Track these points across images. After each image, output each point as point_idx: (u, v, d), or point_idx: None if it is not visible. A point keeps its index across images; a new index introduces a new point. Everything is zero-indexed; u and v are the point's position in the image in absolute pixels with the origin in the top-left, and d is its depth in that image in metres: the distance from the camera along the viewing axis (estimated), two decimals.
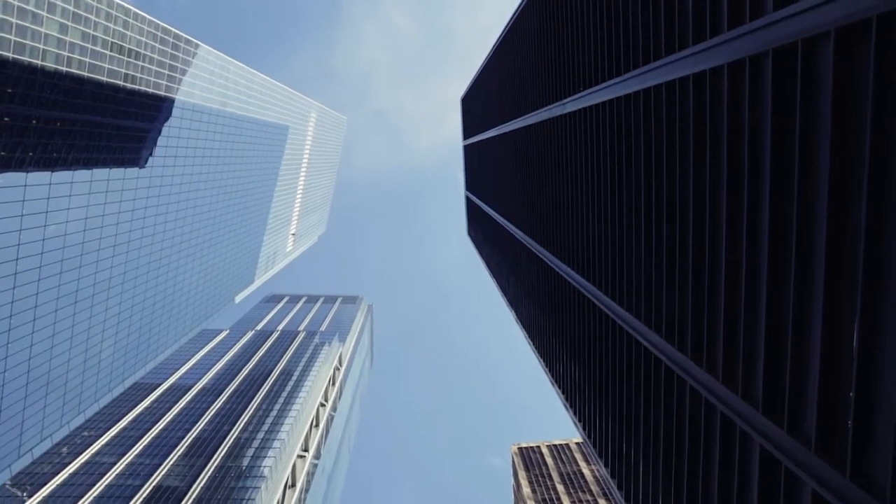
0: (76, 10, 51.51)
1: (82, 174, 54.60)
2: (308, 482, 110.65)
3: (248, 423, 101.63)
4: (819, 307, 12.68)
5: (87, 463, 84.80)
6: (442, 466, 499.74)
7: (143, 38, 64.00)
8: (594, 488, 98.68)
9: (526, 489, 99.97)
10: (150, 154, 68.47)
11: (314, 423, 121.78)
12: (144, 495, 77.77)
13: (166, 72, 70.01)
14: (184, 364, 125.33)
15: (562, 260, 38.25)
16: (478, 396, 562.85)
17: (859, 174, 11.48)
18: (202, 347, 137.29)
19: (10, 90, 44.03)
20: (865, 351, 11.43)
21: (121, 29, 59.32)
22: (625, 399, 26.82)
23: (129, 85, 61.04)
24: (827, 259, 12.35)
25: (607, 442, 29.91)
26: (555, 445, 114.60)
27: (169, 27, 69.85)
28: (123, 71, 59.90)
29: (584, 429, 34.58)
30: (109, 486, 79.21)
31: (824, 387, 12.64)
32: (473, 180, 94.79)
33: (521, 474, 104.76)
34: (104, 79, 56.32)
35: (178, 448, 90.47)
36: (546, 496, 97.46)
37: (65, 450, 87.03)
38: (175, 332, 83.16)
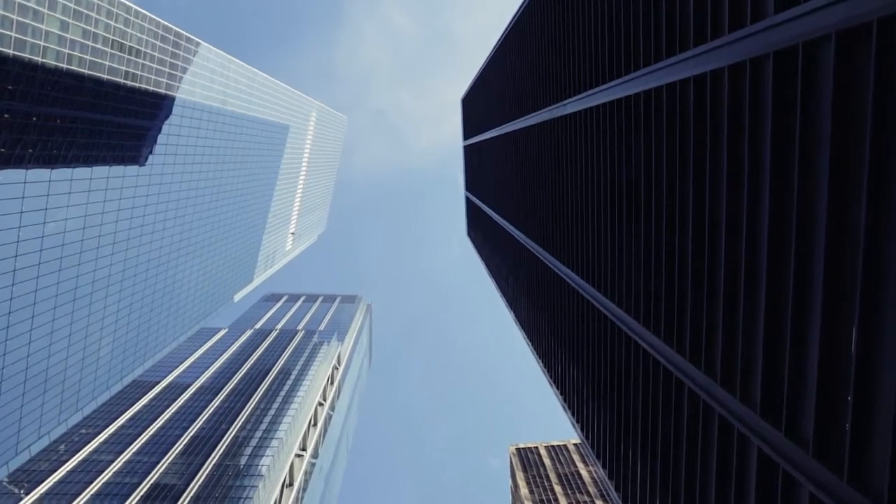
0: (77, 8, 51.48)
1: (82, 171, 54.56)
2: (306, 481, 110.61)
3: (246, 421, 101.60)
4: (817, 310, 12.68)
5: (84, 460, 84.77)
6: (440, 466, 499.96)
7: (144, 36, 63.98)
8: (592, 489, 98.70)
9: (524, 490, 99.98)
10: (150, 152, 68.44)
11: (312, 423, 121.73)
12: (142, 493, 77.73)
13: (167, 70, 69.99)
14: (182, 362, 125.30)
15: (561, 261, 38.26)
16: (476, 397, 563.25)
17: (859, 177, 11.48)
18: (201, 346, 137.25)
19: (10, 87, 43.99)
20: (863, 354, 11.43)
21: (122, 27, 59.30)
22: (623, 401, 26.82)
23: (129, 83, 61.02)
24: (826, 262, 12.35)
25: (605, 443, 29.92)
26: (553, 446, 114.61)
27: (170, 25, 69.83)
28: (124, 69, 59.87)
29: (582, 430, 34.58)
30: (107, 484, 79.18)
31: (822, 390, 12.64)
32: (473, 181, 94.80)
33: (519, 475, 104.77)
34: (105, 76, 56.29)
35: (175, 446, 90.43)
36: (544, 497, 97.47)
37: (62, 447, 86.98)
38: (174, 330, 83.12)
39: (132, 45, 61.38)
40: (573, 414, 36.72)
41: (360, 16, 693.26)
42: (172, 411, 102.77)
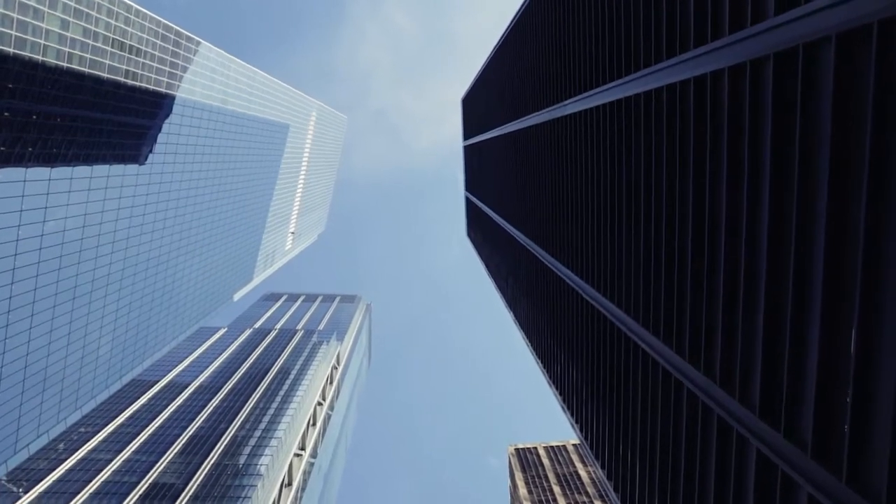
0: (77, 6, 51.47)
1: (82, 170, 54.55)
2: (304, 481, 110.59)
3: (245, 421, 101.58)
4: (817, 312, 12.70)
5: (83, 459, 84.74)
6: (439, 466, 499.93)
7: (145, 35, 63.98)
8: (591, 490, 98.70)
9: (522, 490, 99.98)
10: (150, 151, 68.43)
11: (311, 422, 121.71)
12: (141, 492, 77.71)
13: (167, 69, 69.99)
14: (181, 361, 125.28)
15: (560, 262, 38.27)
16: (475, 397, 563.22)
17: (859, 179, 11.49)
18: (200, 345, 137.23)
19: (10, 85, 43.98)
20: (862, 355, 11.44)
21: (122, 25, 59.29)
22: (622, 401, 26.83)
23: (130, 81, 61.01)
24: (825, 264, 12.36)
25: (604, 444, 29.93)
26: (552, 447, 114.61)
27: (170, 24, 69.83)
28: (124, 67, 59.86)
29: (581, 430, 34.59)
30: (106, 483, 79.16)
31: (821, 391, 12.65)
32: (473, 181, 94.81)
33: (518, 475, 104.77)
34: (105, 75, 56.29)
35: (174, 445, 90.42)
36: (542, 497, 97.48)
37: (61, 446, 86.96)
38: (173, 329, 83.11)
39: (133, 43, 61.37)
40: (572, 414, 36.73)
41: (361, 15, 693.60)
42: (171, 410, 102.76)
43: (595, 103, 29.11)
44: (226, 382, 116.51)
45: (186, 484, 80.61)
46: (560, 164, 37.77)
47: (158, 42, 67.16)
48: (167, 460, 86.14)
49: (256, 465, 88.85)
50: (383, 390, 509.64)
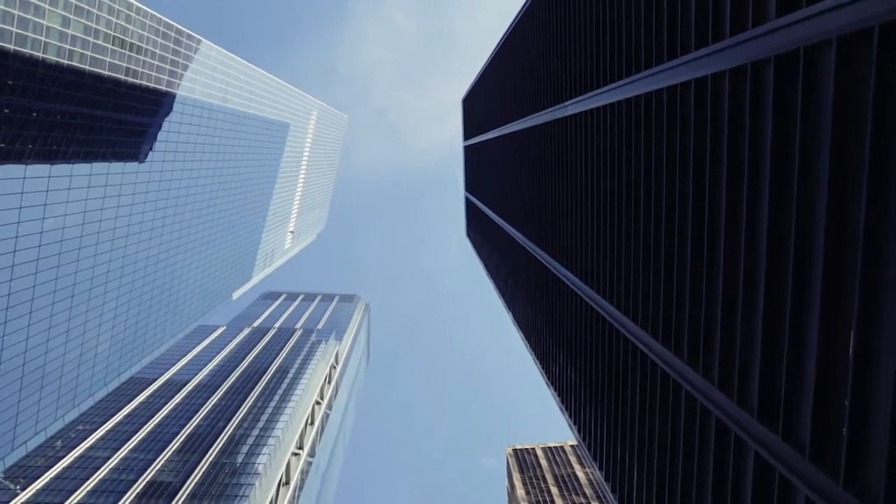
0: (78, 4, 51.44)
1: (81, 167, 54.52)
2: (302, 480, 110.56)
3: (244, 419, 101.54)
4: (815, 314, 12.70)
5: (81, 457, 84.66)
6: (436, 466, 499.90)
7: (145, 33, 63.94)
8: (588, 491, 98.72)
9: (520, 491, 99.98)
10: (150, 149, 68.39)
11: (309, 421, 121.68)
12: (138, 490, 77.67)
13: (168, 67, 69.94)
14: (180, 359, 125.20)
15: (560, 262, 38.27)
16: (473, 397, 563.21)
17: (859, 182, 11.50)
18: (198, 343, 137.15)
19: (10, 82, 43.95)
20: (861, 358, 11.45)
21: (123, 23, 59.26)
22: (620, 402, 26.83)
23: (130, 79, 60.98)
24: (824, 267, 12.37)
25: (602, 445, 29.93)
26: (549, 447, 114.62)
27: (171, 22, 69.79)
28: (125, 65, 59.82)
29: (579, 431, 34.59)
30: (103, 481, 79.09)
31: (820, 394, 12.66)
32: (473, 181, 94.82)
33: (516, 476, 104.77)
34: (105, 72, 56.25)
35: (172, 443, 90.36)
36: (540, 498, 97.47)
37: (59, 443, 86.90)
38: (172, 327, 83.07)
39: (133, 41, 61.33)
40: (570, 415, 36.73)
41: (362, 15, 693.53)
42: (169, 408, 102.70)
43: (596, 104, 29.11)
44: (224, 381, 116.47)
45: (184, 482, 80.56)
46: (560, 166, 37.77)
47: (159, 40, 67.13)
48: (165, 458, 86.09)
49: (254, 463, 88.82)
50: (382, 390, 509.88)
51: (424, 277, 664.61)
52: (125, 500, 74.89)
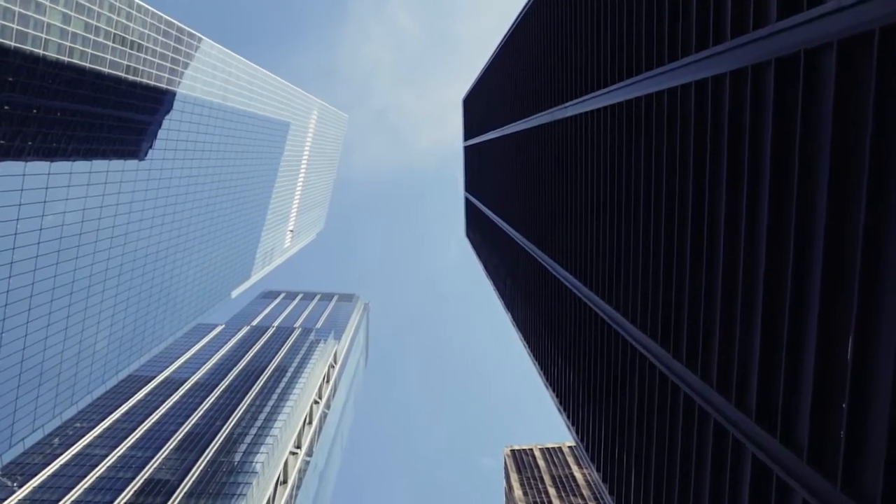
0: (79, 1, 51.40)
1: (81, 165, 54.48)
2: (300, 479, 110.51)
3: (242, 418, 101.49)
4: (814, 317, 12.71)
5: (78, 454, 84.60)
6: (434, 466, 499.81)
7: (146, 31, 63.90)
8: (586, 492, 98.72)
9: (518, 491, 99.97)
10: (150, 146, 68.34)
11: (307, 421, 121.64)
12: (135, 488, 77.61)
13: (168, 65, 69.91)
14: (178, 358, 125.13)
15: (559, 263, 38.28)
16: (472, 397, 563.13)
17: (858, 185, 11.51)
18: (197, 342, 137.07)
19: (11, 79, 43.91)
20: (859, 361, 11.46)
21: (124, 21, 59.22)
22: (618, 404, 26.84)
23: (130, 77, 60.94)
24: (823, 270, 12.38)
25: (600, 446, 29.93)
26: (547, 448, 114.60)
27: (172, 20, 69.75)
28: (125, 63, 59.79)
29: (577, 432, 34.59)
30: (100, 479, 79.03)
31: (817, 397, 12.67)
32: (473, 182, 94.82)
33: (513, 476, 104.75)
34: (106, 70, 56.22)
35: (170, 442, 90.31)
36: (538, 499, 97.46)
37: (56, 441, 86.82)
38: (170, 325, 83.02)
39: (134, 39, 61.30)
40: (568, 416, 36.73)
41: (363, 15, 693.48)
42: (167, 407, 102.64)
43: (596, 106, 29.12)
44: (222, 379, 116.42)
45: (181, 480, 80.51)
46: (560, 167, 37.78)
47: (160, 38, 67.09)
48: (162, 457, 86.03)
49: (252, 462, 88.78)
50: (380, 389, 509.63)
51: (424, 277, 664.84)
52: (122, 498, 74.85)
